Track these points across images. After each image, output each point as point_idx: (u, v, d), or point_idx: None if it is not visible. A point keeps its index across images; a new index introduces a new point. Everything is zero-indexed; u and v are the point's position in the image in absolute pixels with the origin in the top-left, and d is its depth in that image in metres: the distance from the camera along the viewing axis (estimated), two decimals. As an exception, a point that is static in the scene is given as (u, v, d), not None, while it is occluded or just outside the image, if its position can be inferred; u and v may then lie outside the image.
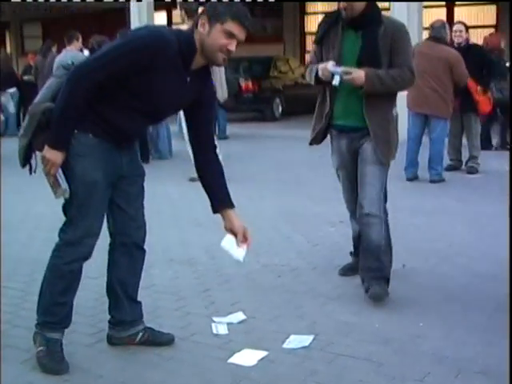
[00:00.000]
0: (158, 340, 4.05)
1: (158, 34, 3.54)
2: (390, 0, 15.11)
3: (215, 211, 3.91)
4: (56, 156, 3.54)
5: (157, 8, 19.33)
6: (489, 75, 10.11)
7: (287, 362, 3.83)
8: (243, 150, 12.86)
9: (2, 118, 11.13)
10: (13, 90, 15.78)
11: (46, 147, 3.55)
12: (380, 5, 4.82)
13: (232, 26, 3.49)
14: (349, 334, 4.17)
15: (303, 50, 24.18)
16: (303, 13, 24.07)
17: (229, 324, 4.35)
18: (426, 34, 11.29)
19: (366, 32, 4.66)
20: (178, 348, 4.03)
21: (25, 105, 14.96)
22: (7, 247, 6.11)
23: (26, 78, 17.11)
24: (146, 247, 4.00)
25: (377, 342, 4.05)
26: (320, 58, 4.86)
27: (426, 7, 15.60)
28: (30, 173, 3.73)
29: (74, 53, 11.16)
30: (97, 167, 3.62)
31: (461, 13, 19.81)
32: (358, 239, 5.09)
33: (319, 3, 23.80)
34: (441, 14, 19.10)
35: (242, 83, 17.60)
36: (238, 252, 3.82)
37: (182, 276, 5.33)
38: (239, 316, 4.48)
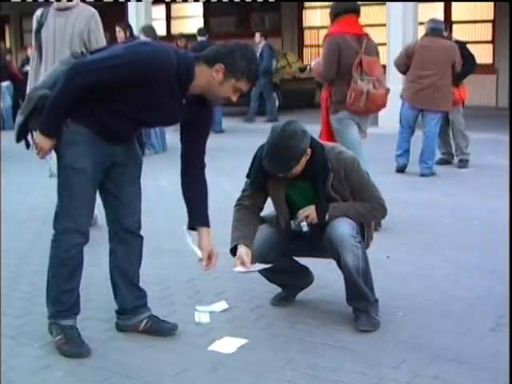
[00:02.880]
0: (160, 329, 4.12)
1: (161, 53, 3.61)
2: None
3: (190, 227, 4.07)
4: (44, 142, 3.69)
5: (155, 2, 19.37)
6: (468, 69, 10.00)
7: (266, 349, 3.91)
8: (239, 143, 12.90)
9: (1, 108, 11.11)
10: (6, 83, 15.85)
11: (37, 132, 3.71)
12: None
13: (244, 85, 3.68)
14: (327, 323, 4.25)
15: (301, 45, 24.20)
16: (301, 7, 24.08)
17: (211, 313, 4.43)
18: (421, 29, 11.36)
19: (314, 182, 4.16)
20: (160, 336, 4.10)
21: (22, 96, 14.99)
22: (-2, 238, 6.19)
23: (24, 69, 17.22)
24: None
25: (354, 331, 4.13)
26: (258, 202, 4.38)
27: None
28: (27, 147, 3.88)
29: None
30: (87, 154, 3.72)
31: (457, 8, 19.85)
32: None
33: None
34: (438, 9, 19.13)
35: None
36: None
37: (169, 266, 5.43)
38: (222, 305, 4.56)
